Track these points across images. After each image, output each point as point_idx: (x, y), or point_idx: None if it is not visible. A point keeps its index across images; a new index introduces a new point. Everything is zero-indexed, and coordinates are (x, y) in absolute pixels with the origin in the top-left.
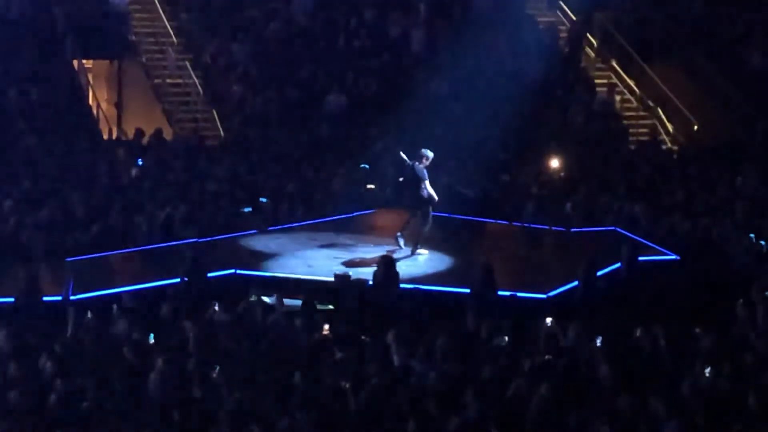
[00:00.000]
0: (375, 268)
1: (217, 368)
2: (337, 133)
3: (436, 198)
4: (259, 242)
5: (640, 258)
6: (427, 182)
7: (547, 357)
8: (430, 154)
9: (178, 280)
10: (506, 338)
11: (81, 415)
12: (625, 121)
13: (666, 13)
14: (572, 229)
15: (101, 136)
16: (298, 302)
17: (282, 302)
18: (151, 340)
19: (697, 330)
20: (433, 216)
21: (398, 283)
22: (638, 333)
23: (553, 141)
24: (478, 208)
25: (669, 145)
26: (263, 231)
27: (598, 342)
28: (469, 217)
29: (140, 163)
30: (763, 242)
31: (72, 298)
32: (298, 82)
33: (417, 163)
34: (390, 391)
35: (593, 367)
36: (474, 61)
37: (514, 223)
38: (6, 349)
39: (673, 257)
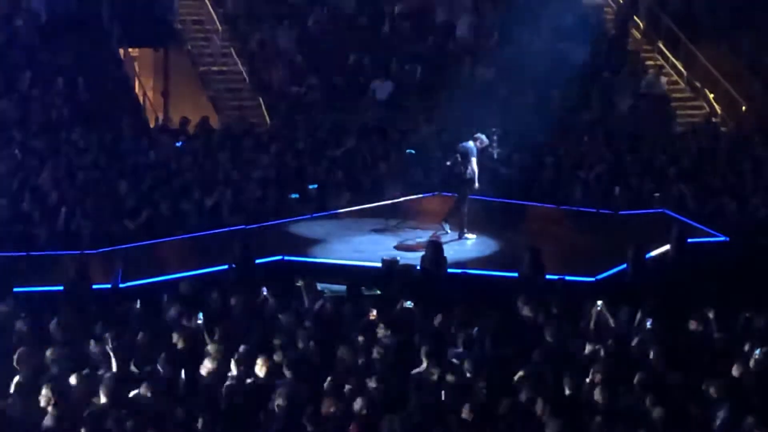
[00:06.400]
0: (423, 253)
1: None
2: (382, 118)
3: (478, 183)
4: (307, 228)
5: (689, 240)
6: (474, 160)
7: (597, 342)
8: (486, 139)
9: (226, 267)
10: (555, 322)
11: (132, 402)
12: (672, 103)
13: None
14: (620, 212)
15: (148, 125)
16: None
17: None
18: (200, 320)
19: (748, 311)
20: (478, 200)
21: (446, 268)
22: (689, 315)
23: (600, 124)
24: (524, 191)
25: (717, 126)
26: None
27: (649, 324)
28: (515, 201)
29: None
30: None
31: (121, 286)
32: (344, 68)
33: (470, 143)
34: (440, 375)
35: (644, 350)
36: (520, 44)
37: (561, 207)
38: (57, 336)
39: (723, 239)
